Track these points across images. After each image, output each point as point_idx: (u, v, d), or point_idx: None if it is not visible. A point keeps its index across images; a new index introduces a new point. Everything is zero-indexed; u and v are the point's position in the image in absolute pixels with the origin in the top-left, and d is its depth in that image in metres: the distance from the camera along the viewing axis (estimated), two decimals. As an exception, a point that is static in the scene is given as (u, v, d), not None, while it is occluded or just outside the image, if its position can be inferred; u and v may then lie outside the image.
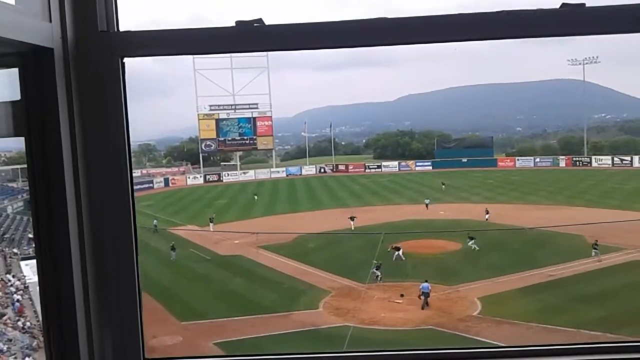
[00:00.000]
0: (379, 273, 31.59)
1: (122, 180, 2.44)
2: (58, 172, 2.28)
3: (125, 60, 2.44)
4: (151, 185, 75.91)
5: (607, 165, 78.66)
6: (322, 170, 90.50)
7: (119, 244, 2.46)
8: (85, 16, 2.34)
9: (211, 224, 47.37)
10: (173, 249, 38.58)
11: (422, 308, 27.45)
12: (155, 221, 47.83)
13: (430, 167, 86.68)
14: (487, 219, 44.32)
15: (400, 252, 35.10)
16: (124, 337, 2.51)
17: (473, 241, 37.25)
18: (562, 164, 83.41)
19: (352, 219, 44.43)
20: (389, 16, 2.43)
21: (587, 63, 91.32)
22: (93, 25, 2.35)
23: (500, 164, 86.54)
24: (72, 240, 2.31)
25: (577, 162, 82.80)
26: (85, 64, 2.34)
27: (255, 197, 60.95)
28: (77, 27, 2.33)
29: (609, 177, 68.77)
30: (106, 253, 2.45)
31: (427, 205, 51.08)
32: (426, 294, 27.70)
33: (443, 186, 58.17)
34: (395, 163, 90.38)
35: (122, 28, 2.44)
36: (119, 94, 2.40)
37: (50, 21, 2.23)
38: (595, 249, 33.49)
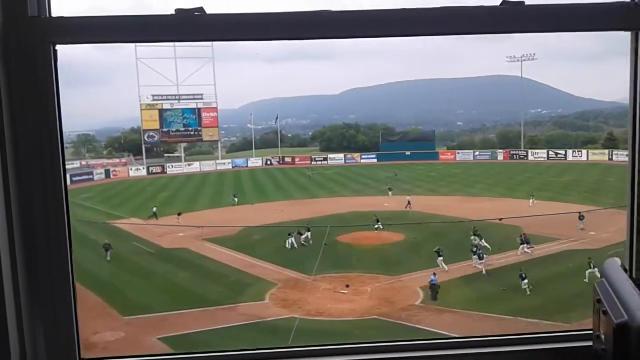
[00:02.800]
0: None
1: (54, 171, 2.34)
2: (-16, 164, 2.17)
3: (61, 47, 2.34)
4: (91, 176, 73.36)
5: (542, 159, 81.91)
6: (269, 162, 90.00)
7: (52, 237, 2.37)
8: (14, 0, 2.23)
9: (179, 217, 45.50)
10: (106, 248, 35.25)
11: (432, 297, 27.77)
12: (154, 208, 47.03)
13: (375, 160, 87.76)
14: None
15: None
16: (57, 336, 2.42)
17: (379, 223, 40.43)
18: (500, 157, 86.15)
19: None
20: (332, 9, 2.43)
21: (524, 60, 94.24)
22: (23, 9, 2.24)
23: (441, 157, 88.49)
24: (1, 233, 2.20)
25: (515, 156, 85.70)
26: (14, 51, 2.23)
27: (235, 199, 55.14)
28: (5, 12, 2.21)
29: (544, 170, 71.69)
30: (38, 247, 2.35)
31: (389, 191, 53.39)
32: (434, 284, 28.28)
33: (390, 192, 56.97)
34: (341, 155, 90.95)
35: (54, 13, 2.34)
36: (51, 82, 2.30)
37: (-25, 4, 2.11)
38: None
